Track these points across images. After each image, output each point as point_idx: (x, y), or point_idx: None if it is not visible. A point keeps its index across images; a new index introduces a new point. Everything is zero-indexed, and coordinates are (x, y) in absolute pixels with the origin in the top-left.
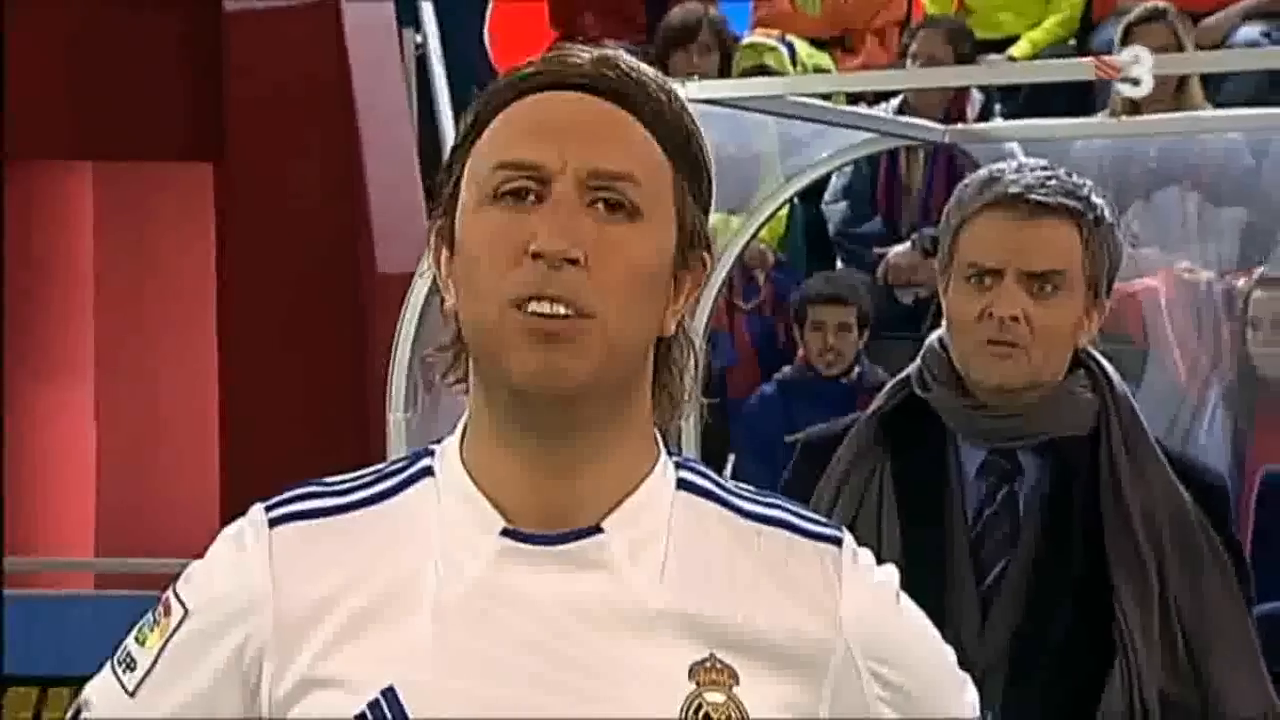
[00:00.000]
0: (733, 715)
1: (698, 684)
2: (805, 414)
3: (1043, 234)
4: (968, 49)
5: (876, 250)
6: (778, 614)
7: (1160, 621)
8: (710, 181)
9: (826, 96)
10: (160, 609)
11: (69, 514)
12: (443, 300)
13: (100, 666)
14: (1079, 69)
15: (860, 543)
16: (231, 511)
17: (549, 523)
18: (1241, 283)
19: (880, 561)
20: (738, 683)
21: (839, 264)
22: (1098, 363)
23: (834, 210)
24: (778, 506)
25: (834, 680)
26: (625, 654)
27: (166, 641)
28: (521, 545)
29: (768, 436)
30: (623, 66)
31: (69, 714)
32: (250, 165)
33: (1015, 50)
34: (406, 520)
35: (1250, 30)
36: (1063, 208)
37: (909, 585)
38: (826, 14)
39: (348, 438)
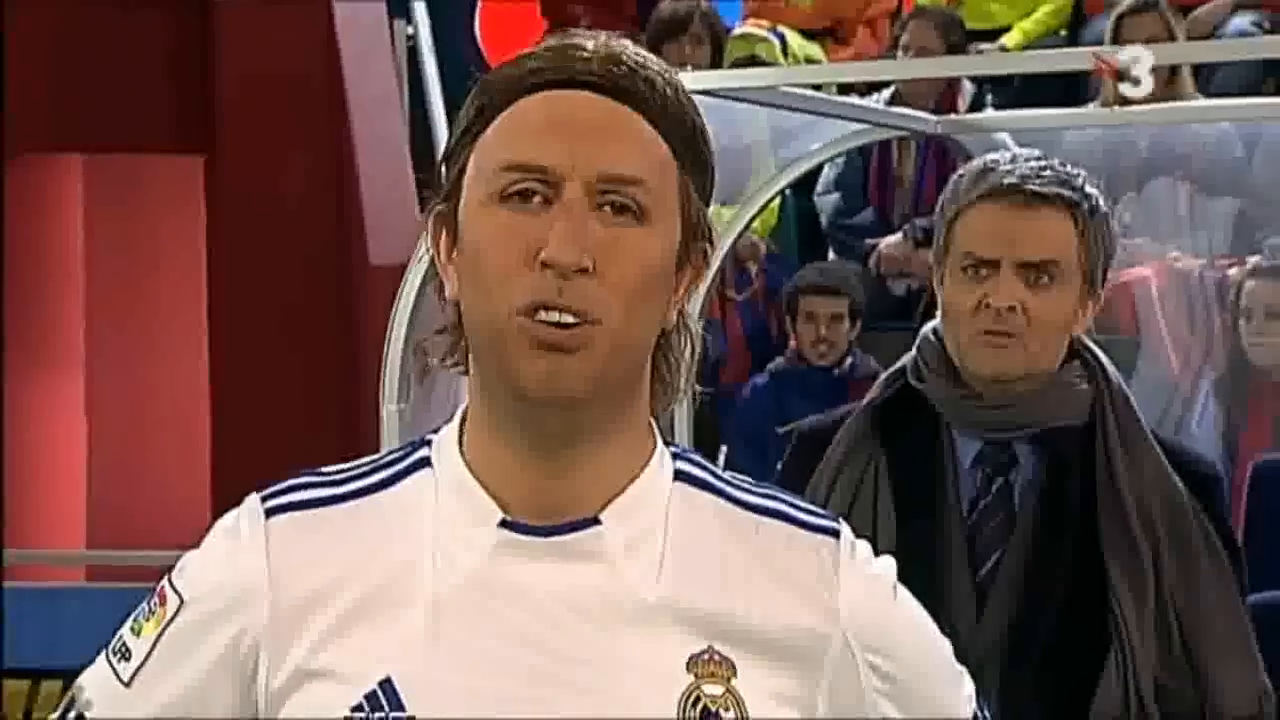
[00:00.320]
0: (731, 707)
1: (696, 676)
2: (797, 405)
3: (1038, 224)
4: (959, 39)
5: (868, 241)
6: (775, 606)
7: (1155, 612)
8: (712, 173)
9: (818, 87)
10: (156, 599)
11: (59, 506)
12: (440, 285)
13: (91, 659)
14: (1077, 59)
15: (855, 534)
16: (222, 504)
17: (546, 514)
18: (1233, 272)
19: (875, 553)
20: (736, 675)
21: (831, 255)
22: (1093, 353)
23: (826, 201)
24: (775, 498)
25: (832, 672)
26: (623, 647)
27: (162, 631)
28: (519, 537)
29: (759, 427)
30: (630, 62)
31: (63, 705)
32: (241, 158)
33: (1007, 40)
34: (403, 511)
35: (1240, 21)
36: (1058, 198)
37: (904, 577)
38: (818, 5)
39: (338, 430)
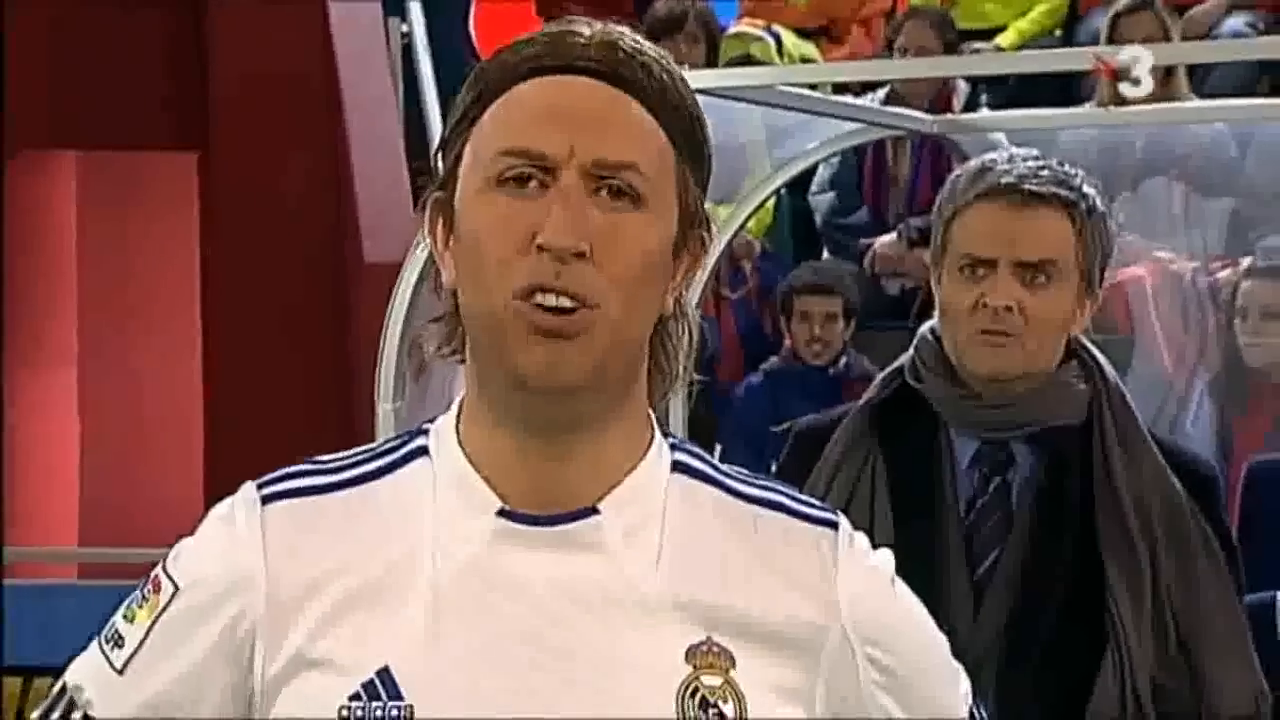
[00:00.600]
0: (729, 698)
1: (694, 667)
2: (792, 404)
3: (1036, 224)
4: (953, 38)
5: (863, 240)
6: (774, 597)
7: (1153, 611)
8: (710, 160)
9: (813, 87)
10: (149, 586)
11: (52, 503)
12: (436, 274)
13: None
14: (1076, 59)
15: None
16: (216, 502)
17: (545, 504)
18: (1228, 272)
19: None
20: (734, 666)
21: (825, 254)
22: (1090, 353)
23: (820, 200)
24: (773, 489)
25: (830, 663)
26: (621, 638)
27: (156, 619)
28: (517, 526)
29: (754, 426)
30: (627, 49)
31: (52, 695)
32: (235, 155)
33: (1002, 40)
34: (401, 501)
35: (1235, 21)
36: (1055, 197)
37: (902, 576)
38: (812, 4)
39: (332, 428)
